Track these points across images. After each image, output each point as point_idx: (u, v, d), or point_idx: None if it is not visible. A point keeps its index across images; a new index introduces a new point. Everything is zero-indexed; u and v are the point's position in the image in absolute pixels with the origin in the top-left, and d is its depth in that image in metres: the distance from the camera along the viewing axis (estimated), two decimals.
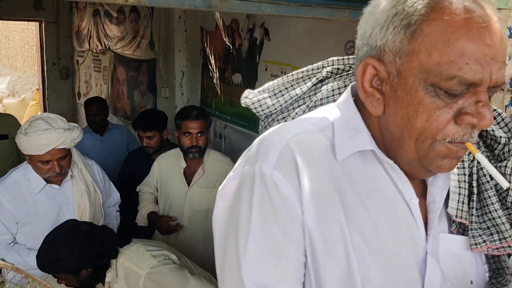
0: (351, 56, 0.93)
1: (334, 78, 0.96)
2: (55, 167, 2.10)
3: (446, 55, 0.68)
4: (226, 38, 3.51)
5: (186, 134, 2.53)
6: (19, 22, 9.29)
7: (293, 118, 0.95)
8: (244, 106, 1.00)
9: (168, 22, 4.14)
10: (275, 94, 0.98)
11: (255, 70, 3.30)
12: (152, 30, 4.38)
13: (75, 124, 2.22)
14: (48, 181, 2.19)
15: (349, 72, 0.96)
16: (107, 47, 5.30)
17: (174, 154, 2.71)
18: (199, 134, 2.54)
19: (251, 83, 3.34)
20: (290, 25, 2.91)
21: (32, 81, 9.80)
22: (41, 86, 6.63)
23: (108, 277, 1.87)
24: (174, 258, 1.92)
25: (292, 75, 0.99)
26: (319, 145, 0.78)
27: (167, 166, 2.70)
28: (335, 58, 0.98)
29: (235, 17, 3.38)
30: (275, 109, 0.97)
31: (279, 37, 3.06)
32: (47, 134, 2.04)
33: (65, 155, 2.14)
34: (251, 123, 3.39)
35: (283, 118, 0.98)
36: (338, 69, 0.96)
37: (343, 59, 0.97)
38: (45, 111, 6.32)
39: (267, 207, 0.74)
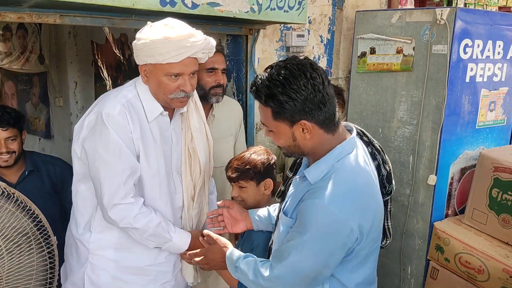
0: None
1: None
2: (186, 83, 1.60)
3: None
4: (117, 50, 4.01)
5: None
6: None
7: None
8: None
9: (57, 37, 4.50)
10: None
11: None
12: (41, 45, 4.66)
13: None
14: (165, 108, 1.68)
15: None
16: None
17: None
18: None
19: None
20: None
21: None
22: None
23: None
24: None
25: None
26: None
27: None
28: None
29: (124, 32, 3.91)
30: None
31: None
32: (193, 32, 1.56)
33: (197, 69, 1.64)
34: None
35: None
36: None
37: None
38: None
39: None
